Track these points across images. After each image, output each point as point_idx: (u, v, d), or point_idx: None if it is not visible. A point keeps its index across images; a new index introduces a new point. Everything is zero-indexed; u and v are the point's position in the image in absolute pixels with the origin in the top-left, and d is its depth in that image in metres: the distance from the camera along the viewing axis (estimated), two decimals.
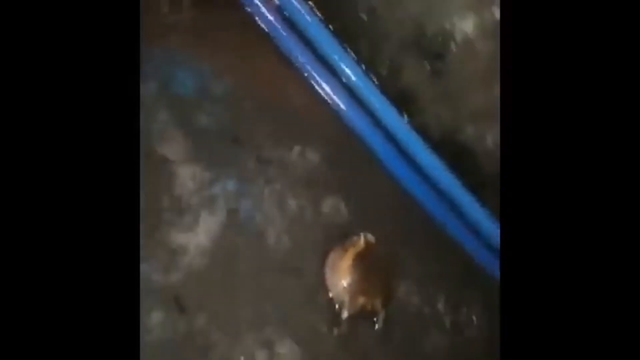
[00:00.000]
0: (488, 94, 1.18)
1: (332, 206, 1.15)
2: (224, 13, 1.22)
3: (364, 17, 1.27)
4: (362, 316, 1.04)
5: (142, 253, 0.89)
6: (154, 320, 0.93)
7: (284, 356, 0.98)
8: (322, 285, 1.04)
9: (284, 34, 1.26)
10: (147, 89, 1.05)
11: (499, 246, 1.20)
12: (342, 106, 1.27)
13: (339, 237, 1.09)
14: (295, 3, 1.24)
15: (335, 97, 1.27)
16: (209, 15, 1.19)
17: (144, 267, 0.95)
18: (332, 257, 1.05)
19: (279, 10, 1.27)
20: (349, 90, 1.27)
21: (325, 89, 1.27)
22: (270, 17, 1.26)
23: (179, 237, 1.00)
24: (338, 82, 1.27)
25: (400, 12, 1.22)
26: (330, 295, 1.04)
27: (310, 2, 1.27)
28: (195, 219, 1.03)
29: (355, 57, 1.28)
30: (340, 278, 1.04)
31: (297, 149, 1.19)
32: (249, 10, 1.25)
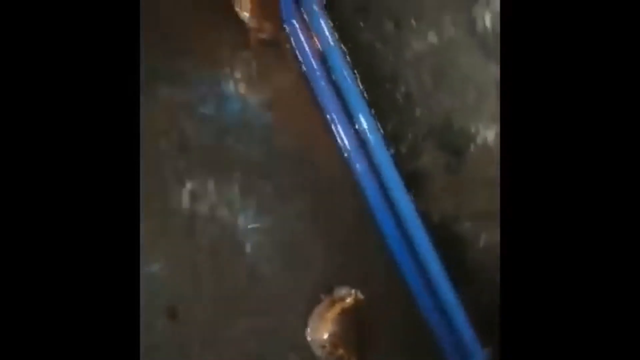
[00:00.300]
0: (492, 199, 1.29)
1: (326, 257, 1.22)
2: (280, 55, 1.33)
3: (400, 99, 1.39)
4: None
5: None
6: None
7: None
8: (305, 329, 1.10)
9: (325, 90, 1.37)
10: (205, 108, 1.14)
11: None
12: (357, 167, 1.36)
13: (328, 286, 1.16)
14: (344, 72, 1.36)
15: (352, 156, 1.37)
16: (267, 55, 1.29)
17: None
18: (320, 307, 1.12)
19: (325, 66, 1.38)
20: (367, 155, 1.37)
21: (346, 145, 1.37)
22: (317, 71, 1.37)
23: None
24: (360, 144, 1.37)
25: (434, 104, 1.35)
26: (310, 339, 1.10)
27: (355, 72, 1.39)
28: None
29: (382, 130, 1.39)
30: (324, 328, 1.10)
31: (303, 197, 1.27)
32: (299, 57, 1.36)
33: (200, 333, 1.00)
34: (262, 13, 1.28)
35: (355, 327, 1.13)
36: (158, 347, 0.95)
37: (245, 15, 1.26)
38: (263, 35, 1.28)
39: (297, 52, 1.35)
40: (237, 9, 1.26)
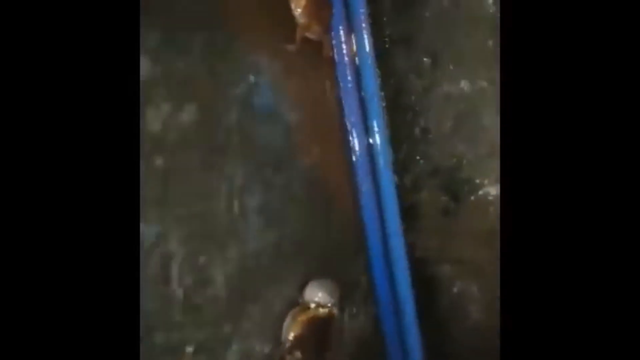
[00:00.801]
0: (477, 250, 1.34)
1: (312, 263, 1.25)
2: (319, 58, 1.35)
3: (417, 132, 1.43)
4: None
5: None
6: None
7: None
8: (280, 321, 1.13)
9: (352, 104, 1.40)
10: (236, 89, 1.16)
11: None
12: (362, 185, 1.39)
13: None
14: (374, 92, 1.39)
15: (360, 173, 1.39)
16: (308, 54, 1.31)
17: None
18: (296, 309, 1.15)
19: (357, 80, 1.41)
20: (374, 176, 1.40)
21: (357, 160, 1.40)
22: (349, 83, 1.40)
23: None
24: (369, 164, 1.40)
25: (448, 146, 1.39)
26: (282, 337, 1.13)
27: (383, 94, 1.43)
28: None
29: (393, 155, 1.43)
30: (292, 329, 1.12)
31: (306, 200, 1.29)
32: (336, 65, 1.39)
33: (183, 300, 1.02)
34: (313, 13, 1.30)
35: (320, 336, 1.15)
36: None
37: (297, 11, 1.27)
38: (309, 35, 1.30)
39: (335, 59, 1.38)
40: (291, 3, 1.27)
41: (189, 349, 1.02)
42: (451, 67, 1.39)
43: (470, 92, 1.37)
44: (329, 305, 1.15)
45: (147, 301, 0.95)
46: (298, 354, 1.11)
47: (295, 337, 1.11)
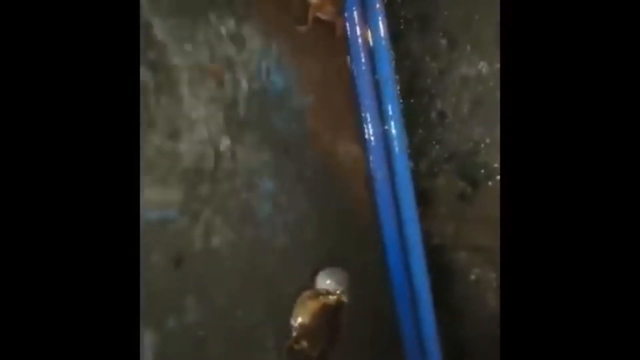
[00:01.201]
0: (494, 236, 1.30)
1: (326, 249, 1.23)
2: (332, 39, 1.32)
3: (433, 116, 1.39)
4: (299, 357, 1.10)
5: None
6: None
7: None
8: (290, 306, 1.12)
9: (365, 86, 1.36)
10: (247, 71, 1.13)
11: None
12: (377, 171, 1.36)
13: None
14: (388, 74, 1.35)
15: (374, 159, 1.36)
16: (320, 35, 1.28)
17: None
18: (307, 293, 1.12)
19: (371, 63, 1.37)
20: (389, 162, 1.37)
21: (371, 145, 1.36)
22: (362, 66, 1.36)
23: None
24: (384, 149, 1.37)
25: (465, 130, 1.35)
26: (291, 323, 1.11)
27: (398, 77, 1.39)
28: None
29: (407, 141, 1.39)
30: (300, 314, 1.10)
31: (321, 186, 1.27)
32: (349, 47, 1.35)
33: (196, 285, 1.01)
34: None
35: (329, 326, 1.13)
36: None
37: None
38: (321, 15, 1.27)
39: (349, 41, 1.35)
40: None
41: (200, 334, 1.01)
42: (468, 49, 1.34)
43: (489, 74, 1.32)
44: (338, 292, 1.12)
45: (157, 283, 0.94)
46: (304, 343, 1.09)
47: (303, 326, 1.09)
